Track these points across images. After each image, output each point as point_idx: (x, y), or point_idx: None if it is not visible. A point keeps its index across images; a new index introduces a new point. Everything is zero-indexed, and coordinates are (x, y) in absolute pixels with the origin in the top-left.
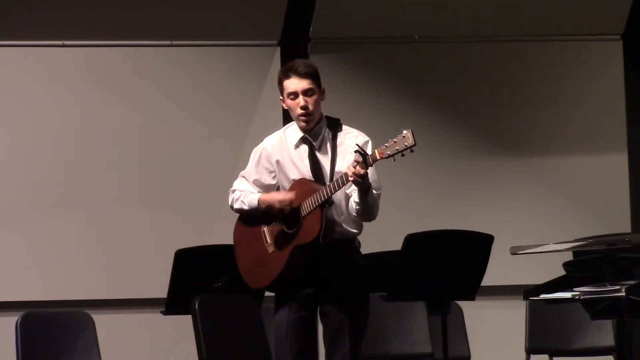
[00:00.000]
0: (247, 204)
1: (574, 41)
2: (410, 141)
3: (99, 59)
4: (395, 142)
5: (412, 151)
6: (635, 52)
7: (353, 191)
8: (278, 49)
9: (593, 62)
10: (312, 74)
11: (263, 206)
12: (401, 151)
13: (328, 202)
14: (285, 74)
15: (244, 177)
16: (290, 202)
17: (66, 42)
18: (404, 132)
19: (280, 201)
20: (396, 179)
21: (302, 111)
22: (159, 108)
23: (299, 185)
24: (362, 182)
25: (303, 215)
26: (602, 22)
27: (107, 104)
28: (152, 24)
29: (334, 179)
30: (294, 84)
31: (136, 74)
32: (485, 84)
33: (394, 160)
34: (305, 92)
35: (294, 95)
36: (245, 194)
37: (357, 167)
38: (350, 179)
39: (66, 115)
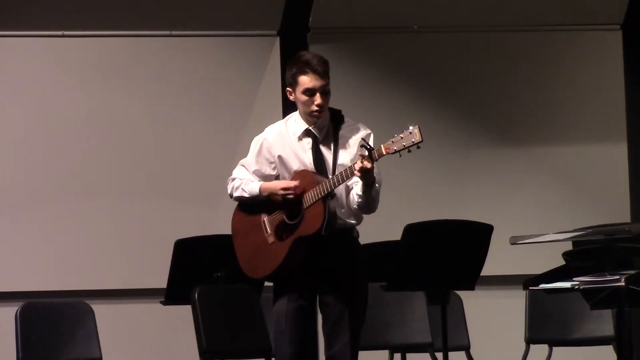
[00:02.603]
0: (248, 192)
1: (573, 31)
2: (417, 137)
3: (98, 49)
4: (401, 137)
5: (418, 147)
6: (634, 42)
7: (355, 184)
8: (277, 39)
9: (592, 51)
10: (328, 72)
11: (265, 194)
12: (407, 147)
13: (330, 195)
14: (301, 69)
15: (243, 165)
16: (295, 189)
17: (66, 33)
18: (411, 127)
19: (283, 188)
20: (396, 169)
21: (317, 109)
22: (159, 98)
23: (301, 176)
24: (367, 176)
25: (305, 207)
26: (601, 12)
27: (107, 95)
28: (151, 14)
29: (339, 172)
30: (313, 81)
31: (135, 64)
32: (484, 74)
33: (400, 155)
34: (324, 91)
35: (311, 92)
36: (245, 182)
37: (364, 162)
38: (357, 174)
39: (66, 105)
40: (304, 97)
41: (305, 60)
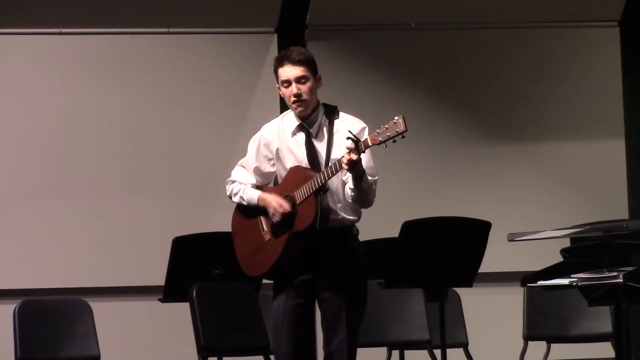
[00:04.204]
0: (247, 201)
1: (570, 28)
2: (401, 127)
3: (96, 46)
4: (386, 128)
5: (403, 137)
6: (632, 39)
7: (348, 178)
8: (275, 37)
9: (590, 48)
10: (305, 61)
11: (262, 204)
12: (392, 137)
13: (323, 189)
14: (279, 62)
15: (242, 166)
16: (283, 214)
17: (63, 30)
18: (396, 118)
19: (273, 215)
20: (394, 166)
21: (295, 98)
22: (156, 96)
23: (294, 173)
24: (355, 169)
25: (298, 203)
26: (599, 9)
27: (105, 92)
28: (149, 11)
29: (328, 166)
30: (287, 71)
31: (133, 61)
32: (482, 71)
33: (386, 146)
34: (298, 80)
35: (287, 83)
36: (244, 189)
37: (350, 154)
38: (345, 167)
39: (63, 103)
40: (284, 89)
41: (283, 53)
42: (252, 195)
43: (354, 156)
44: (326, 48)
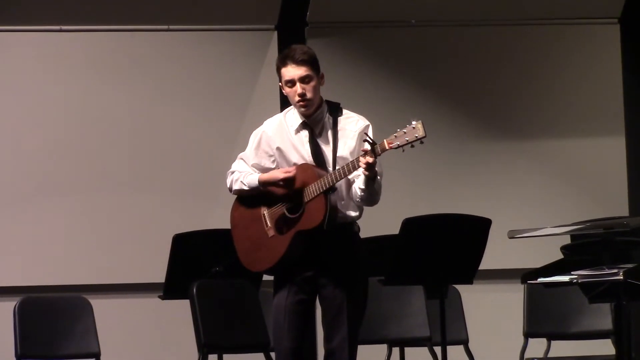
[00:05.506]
0: (247, 185)
1: (571, 25)
2: (420, 132)
3: (96, 44)
4: (405, 132)
5: (422, 142)
6: (632, 36)
7: (356, 177)
8: (275, 34)
9: (590, 46)
10: (309, 61)
11: (264, 186)
12: (411, 142)
13: (332, 189)
14: (282, 62)
15: (242, 159)
16: (294, 179)
17: (63, 27)
18: (414, 122)
19: (283, 179)
20: (394, 163)
21: (300, 98)
22: (156, 93)
23: (301, 170)
24: (371, 171)
25: (306, 200)
26: (599, 6)
27: (105, 89)
28: (149, 8)
29: (342, 166)
30: (291, 71)
31: (133, 58)
32: (482, 69)
33: (403, 150)
34: (302, 80)
35: (292, 82)
36: (244, 174)
37: (367, 157)
38: (363, 167)
39: (63, 100)
40: (287, 89)
41: (286, 52)
42: (253, 179)
43: (370, 159)
44: (326, 45)
